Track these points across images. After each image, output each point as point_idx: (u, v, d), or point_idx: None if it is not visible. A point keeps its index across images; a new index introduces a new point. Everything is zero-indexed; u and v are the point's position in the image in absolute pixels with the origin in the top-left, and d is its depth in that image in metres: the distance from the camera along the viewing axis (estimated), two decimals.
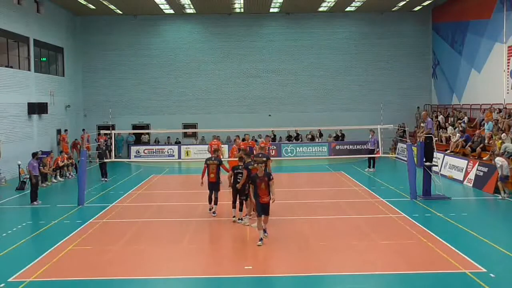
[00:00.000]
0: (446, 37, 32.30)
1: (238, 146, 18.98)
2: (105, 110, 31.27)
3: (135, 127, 34.31)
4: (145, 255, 11.59)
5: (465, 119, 26.52)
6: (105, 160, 22.37)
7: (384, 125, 20.87)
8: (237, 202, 14.54)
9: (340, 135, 33.29)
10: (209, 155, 17.73)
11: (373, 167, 25.21)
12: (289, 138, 33.28)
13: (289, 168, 21.89)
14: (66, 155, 24.54)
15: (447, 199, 17.56)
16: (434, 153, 18.28)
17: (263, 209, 12.15)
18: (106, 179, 23.01)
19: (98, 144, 24.26)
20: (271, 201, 12.24)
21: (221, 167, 15.52)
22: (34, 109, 26.70)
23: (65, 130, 30.44)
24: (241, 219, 14.43)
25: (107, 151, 24.61)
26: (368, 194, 18.86)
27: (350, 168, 25.91)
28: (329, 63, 34.91)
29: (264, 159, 15.31)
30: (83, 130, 31.23)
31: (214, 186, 15.31)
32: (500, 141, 20.17)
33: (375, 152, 24.54)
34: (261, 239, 12.12)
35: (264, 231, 12.30)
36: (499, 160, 17.72)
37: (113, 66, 34.67)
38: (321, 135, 33.31)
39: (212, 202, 15.36)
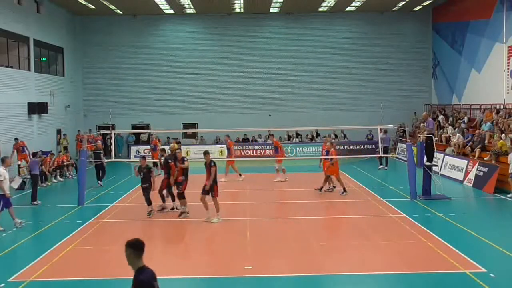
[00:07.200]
0: (446, 37, 32.29)
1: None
2: (105, 110, 31.25)
3: (135, 127, 34.29)
4: (144, 255, 11.52)
5: (465, 119, 26.52)
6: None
7: (384, 125, 20.87)
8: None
9: (343, 135, 33.35)
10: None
11: (385, 164, 25.98)
12: (289, 138, 33.26)
13: (289, 168, 21.87)
14: (64, 155, 24.61)
15: (447, 199, 17.57)
16: (435, 153, 18.29)
17: None
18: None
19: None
20: None
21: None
22: (34, 109, 26.70)
23: (78, 131, 30.97)
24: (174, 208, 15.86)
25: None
26: (368, 194, 18.85)
27: (350, 168, 25.86)
28: (329, 63, 34.89)
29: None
30: (89, 130, 31.43)
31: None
32: (500, 141, 20.16)
33: (389, 151, 24.69)
34: None
35: None
36: None
37: (113, 66, 34.66)
38: (317, 135, 33.31)
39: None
